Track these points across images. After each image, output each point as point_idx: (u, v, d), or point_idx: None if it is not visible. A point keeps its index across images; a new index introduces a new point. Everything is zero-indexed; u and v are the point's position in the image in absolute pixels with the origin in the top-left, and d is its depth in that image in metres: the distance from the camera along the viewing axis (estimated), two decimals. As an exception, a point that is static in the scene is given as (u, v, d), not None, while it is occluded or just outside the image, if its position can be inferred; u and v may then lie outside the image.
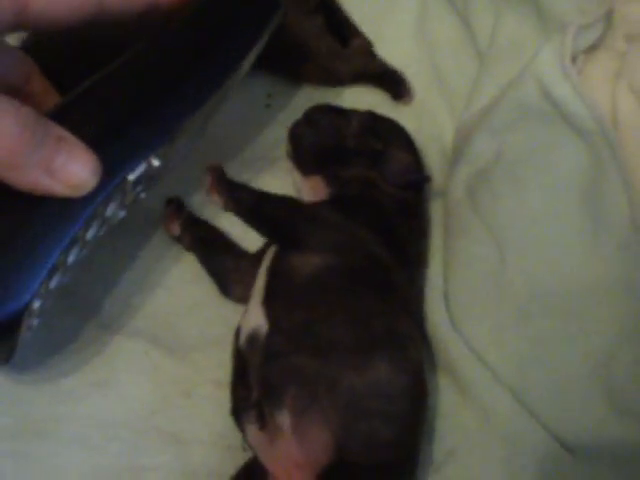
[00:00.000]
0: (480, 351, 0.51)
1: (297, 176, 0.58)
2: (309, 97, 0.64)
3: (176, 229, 0.56)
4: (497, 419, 0.49)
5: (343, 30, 0.67)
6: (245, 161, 0.61)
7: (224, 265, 0.55)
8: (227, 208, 0.52)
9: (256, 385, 0.46)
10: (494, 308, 0.52)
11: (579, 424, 0.48)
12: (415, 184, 0.57)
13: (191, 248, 0.57)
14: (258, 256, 0.54)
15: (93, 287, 0.55)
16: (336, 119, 0.59)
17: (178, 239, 0.57)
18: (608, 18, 0.54)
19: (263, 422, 0.44)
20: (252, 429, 0.45)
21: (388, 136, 0.58)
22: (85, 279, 0.53)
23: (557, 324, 0.49)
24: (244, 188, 0.53)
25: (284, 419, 0.44)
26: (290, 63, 0.64)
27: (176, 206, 0.57)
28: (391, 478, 0.46)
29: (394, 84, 0.66)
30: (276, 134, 0.61)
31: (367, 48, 0.67)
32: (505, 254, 0.52)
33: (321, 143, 0.57)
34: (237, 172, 0.58)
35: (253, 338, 0.48)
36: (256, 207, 0.52)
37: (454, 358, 0.52)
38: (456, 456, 0.50)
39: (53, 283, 0.44)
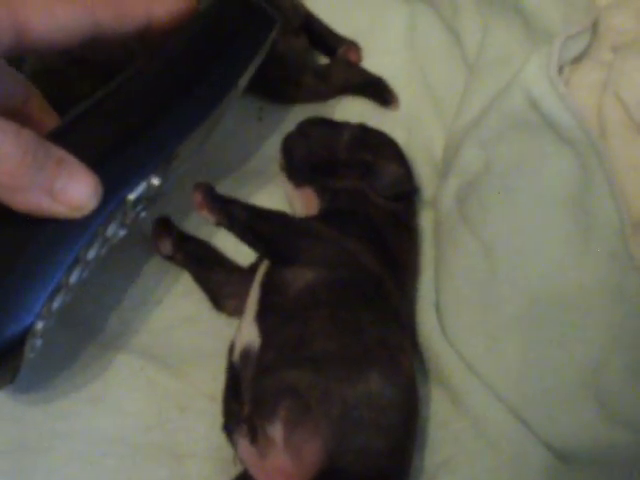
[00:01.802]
0: (472, 361, 0.52)
1: (289, 188, 0.59)
2: (301, 110, 0.64)
3: (167, 248, 0.57)
4: (490, 429, 0.50)
5: (327, 41, 0.67)
6: (237, 175, 0.61)
7: (217, 280, 0.56)
8: (219, 224, 0.52)
9: (248, 399, 0.47)
10: (485, 318, 0.52)
11: (571, 432, 0.48)
12: (405, 195, 0.58)
13: (184, 265, 0.57)
14: (251, 271, 0.54)
15: (87, 303, 0.55)
16: (328, 131, 0.59)
17: (170, 258, 0.57)
18: (594, 29, 0.55)
19: (254, 436, 0.44)
20: (243, 443, 0.45)
21: (378, 148, 0.59)
22: (79, 295, 0.52)
23: (548, 333, 0.50)
24: (235, 203, 0.53)
25: (276, 432, 0.44)
26: (276, 85, 0.65)
27: (165, 225, 0.57)
28: None
29: (379, 92, 0.66)
30: (268, 147, 0.62)
31: (347, 60, 0.67)
32: (495, 264, 0.52)
33: (313, 155, 0.58)
34: (229, 185, 0.58)
35: (246, 353, 0.49)
36: (248, 223, 0.52)
37: (446, 369, 0.52)
38: (449, 466, 0.50)
39: (56, 304, 0.44)
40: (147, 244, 0.58)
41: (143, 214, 0.49)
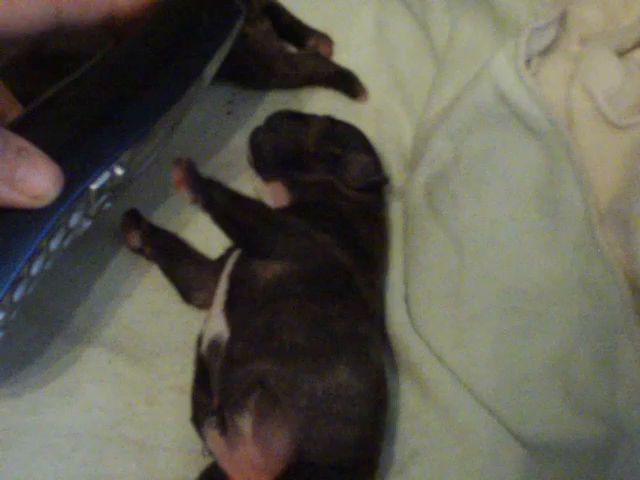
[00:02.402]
0: (441, 353, 0.52)
1: (258, 182, 0.59)
2: (270, 103, 0.64)
3: (136, 241, 0.57)
4: (459, 420, 0.50)
5: (295, 32, 0.67)
6: (207, 168, 0.60)
7: (186, 273, 0.55)
8: (195, 202, 0.51)
9: (217, 391, 0.46)
10: (454, 310, 0.52)
11: (539, 422, 0.48)
12: (374, 186, 0.58)
13: (153, 258, 0.57)
14: (220, 263, 0.54)
15: (55, 297, 0.55)
16: (296, 125, 0.59)
17: (139, 250, 0.57)
18: (562, 21, 0.55)
19: (224, 428, 0.44)
20: (212, 435, 0.45)
21: (347, 140, 0.59)
22: (47, 289, 0.52)
23: (515, 324, 0.50)
24: (215, 185, 0.52)
25: (245, 424, 0.44)
26: (242, 70, 0.64)
27: (134, 218, 0.57)
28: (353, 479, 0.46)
29: (348, 84, 0.67)
30: (237, 141, 0.62)
31: (316, 50, 0.67)
32: (464, 256, 0.52)
33: (281, 149, 0.58)
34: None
35: (215, 344, 0.49)
36: (226, 208, 0.51)
37: (415, 360, 0.52)
38: (419, 457, 0.50)
39: (17, 295, 0.44)
40: (116, 237, 0.58)
41: (107, 205, 0.48)
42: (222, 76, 0.55)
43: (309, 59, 0.67)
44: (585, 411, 0.47)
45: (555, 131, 0.50)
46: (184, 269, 0.55)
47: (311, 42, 0.68)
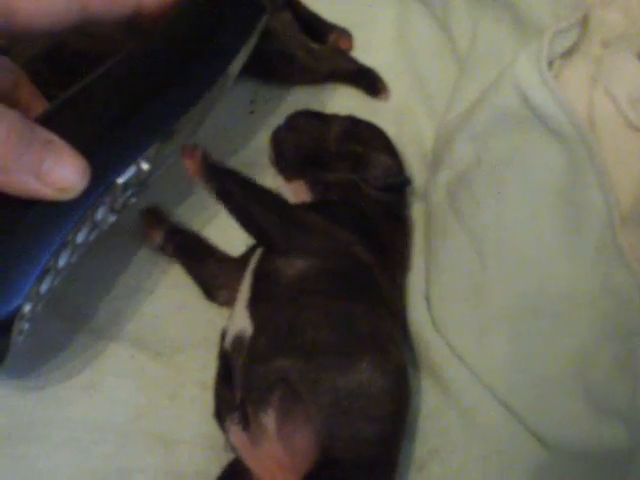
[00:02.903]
0: (462, 352, 0.52)
1: (280, 181, 0.59)
2: (292, 103, 0.65)
3: (158, 238, 0.57)
4: (479, 419, 0.50)
5: (314, 27, 0.68)
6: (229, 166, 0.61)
7: (208, 271, 0.56)
8: (212, 193, 0.51)
9: (240, 387, 0.47)
10: (475, 310, 0.52)
11: (558, 422, 0.49)
12: (396, 186, 0.58)
13: (174, 256, 0.57)
14: (242, 260, 0.54)
15: (79, 292, 0.55)
16: (317, 124, 0.59)
17: (161, 247, 0.57)
18: (584, 23, 0.55)
19: (246, 423, 0.45)
20: (235, 430, 0.45)
21: (369, 140, 0.59)
22: (71, 284, 0.53)
23: (537, 325, 0.50)
24: (231, 174, 0.52)
25: (269, 420, 0.44)
26: (266, 63, 0.64)
27: (157, 216, 0.58)
28: (373, 476, 0.46)
29: (369, 82, 0.67)
30: (260, 140, 0.62)
31: (338, 47, 0.68)
32: (485, 256, 0.52)
33: (303, 148, 0.58)
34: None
35: (238, 340, 0.49)
36: (241, 198, 0.51)
37: (436, 360, 0.52)
38: (438, 456, 0.50)
39: (44, 287, 0.44)
40: (139, 234, 0.58)
41: (133, 200, 0.49)
42: (246, 71, 0.56)
43: (330, 54, 0.67)
44: (605, 413, 0.48)
45: (577, 133, 0.50)
46: (207, 267, 0.56)
47: (331, 37, 0.68)
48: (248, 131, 0.64)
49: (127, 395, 0.52)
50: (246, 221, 0.52)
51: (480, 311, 0.52)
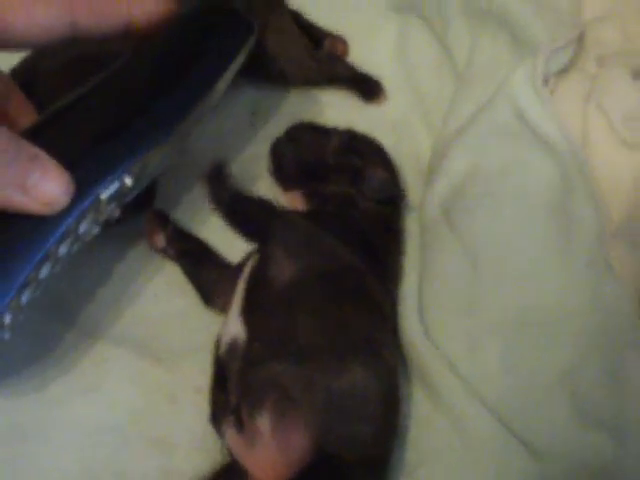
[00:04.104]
0: (453, 361, 0.52)
1: (277, 191, 0.60)
2: (292, 115, 0.65)
3: (160, 241, 0.57)
4: (469, 427, 0.50)
5: (310, 34, 0.68)
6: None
7: (208, 277, 0.56)
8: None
9: (235, 391, 0.48)
10: (467, 320, 0.53)
11: (546, 431, 0.49)
12: (392, 200, 0.59)
13: (176, 260, 0.58)
14: (239, 268, 0.55)
15: (80, 296, 0.56)
16: (316, 137, 0.60)
17: (163, 251, 0.58)
18: (579, 41, 0.56)
19: (242, 426, 0.46)
20: (231, 433, 0.46)
21: (366, 153, 0.60)
22: (72, 288, 0.54)
23: (527, 336, 0.51)
24: (222, 181, 0.55)
25: (263, 423, 0.45)
26: (268, 62, 0.65)
27: (160, 219, 0.58)
28: (367, 476, 0.47)
29: (366, 86, 0.67)
30: (259, 151, 0.63)
31: (334, 52, 0.68)
32: (478, 269, 0.53)
33: (301, 160, 0.59)
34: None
35: (232, 346, 0.50)
36: (231, 202, 0.54)
37: (428, 368, 0.53)
38: (429, 462, 0.51)
39: (24, 298, 0.44)
40: (141, 238, 0.59)
41: (116, 213, 0.49)
42: (246, 72, 0.56)
43: (327, 60, 0.67)
44: (592, 424, 0.48)
45: (570, 149, 0.51)
46: (207, 274, 0.57)
47: (326, 43, 0.68)
48: (248, 142, 0.65)
49: (126, 398, 0.53)
50: (240, 225, 0.56)
51: (472, 321, 0.53)
